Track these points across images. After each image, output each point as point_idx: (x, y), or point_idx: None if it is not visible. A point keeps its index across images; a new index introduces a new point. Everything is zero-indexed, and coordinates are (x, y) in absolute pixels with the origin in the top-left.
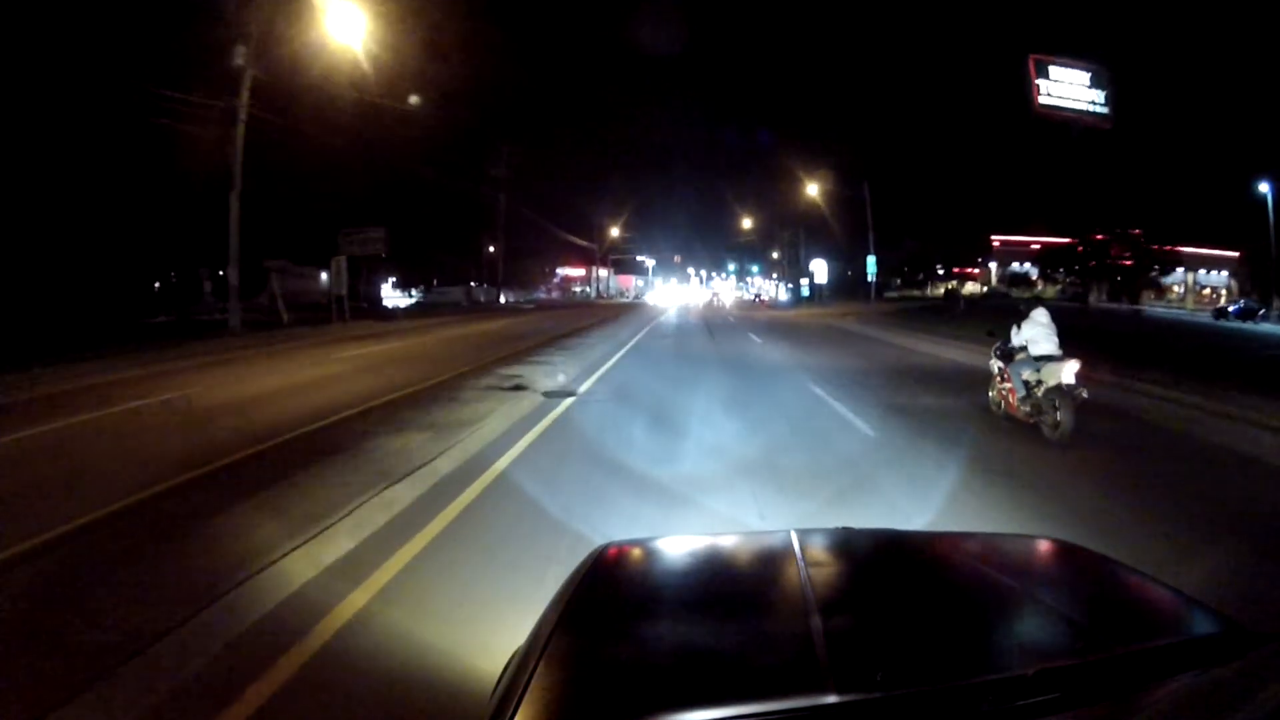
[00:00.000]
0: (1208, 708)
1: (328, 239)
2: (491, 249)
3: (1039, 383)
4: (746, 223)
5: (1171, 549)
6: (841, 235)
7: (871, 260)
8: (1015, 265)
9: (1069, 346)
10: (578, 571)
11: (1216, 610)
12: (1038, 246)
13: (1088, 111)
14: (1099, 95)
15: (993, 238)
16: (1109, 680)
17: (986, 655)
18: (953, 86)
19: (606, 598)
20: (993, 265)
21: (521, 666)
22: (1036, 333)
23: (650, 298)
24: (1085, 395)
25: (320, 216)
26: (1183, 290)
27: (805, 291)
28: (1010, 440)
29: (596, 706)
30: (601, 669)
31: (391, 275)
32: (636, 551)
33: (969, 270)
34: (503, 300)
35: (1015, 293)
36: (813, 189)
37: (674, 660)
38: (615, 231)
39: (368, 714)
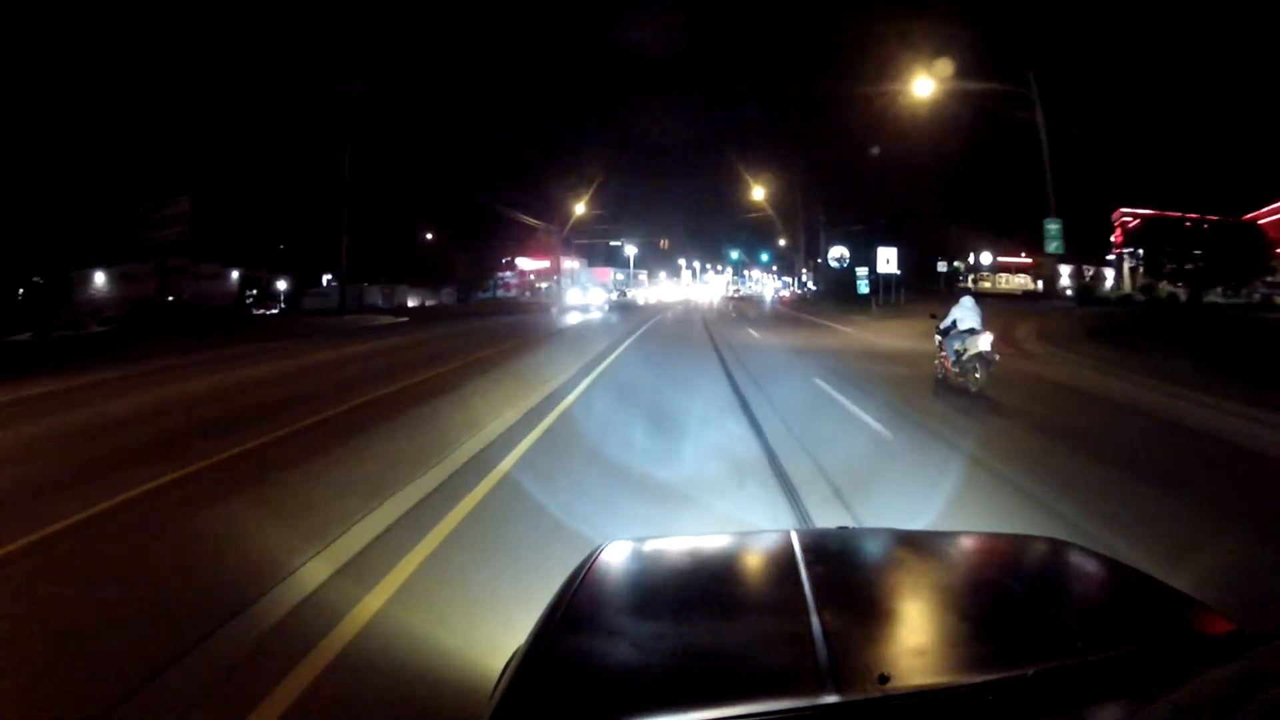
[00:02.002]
0: (1208, 708)
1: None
2: (430, 236)
3: (965, 350)
4: (758, 193)
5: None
6: (918, 209)
7: (1053, 227)
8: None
9: None
10: (578, 570)
11: (1217, 610)
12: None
13: None
14: None
15: (1123, 212)
16: (1109, 680)
17: (986, 655)
18: None
19: (606, 596)
20: (1130, 250)
21: (522, 665)
22: (964, 314)
23: (573, 298)
24: (998, 358)
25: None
26: None
27: (863, 287)
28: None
29: (597, 705)
30: (602, 668)
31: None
32: (636, 550)
33: (1021, 259)
34: (413, 302)
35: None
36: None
37: (674, 659)
38: (581, 208)
39: None
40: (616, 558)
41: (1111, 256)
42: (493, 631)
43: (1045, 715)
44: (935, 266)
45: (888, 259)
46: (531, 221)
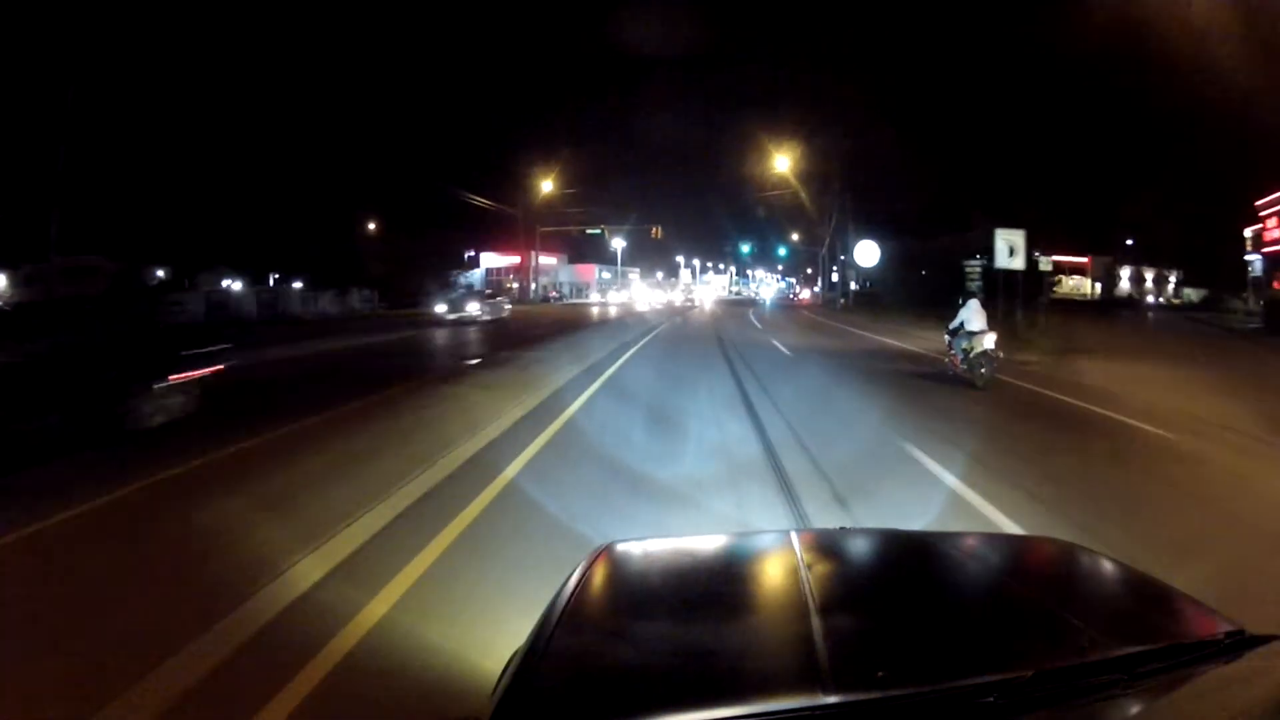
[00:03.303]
0: (1207, 708)
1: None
2: (372, 225)
3: (971, 349)
4: (782, 162)
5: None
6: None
7: None
8: None
9: None
10: (578, 571)
11: (1216, 611)
12: None
13: None
14: None
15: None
16: (1109, 680)
17: (986, 655)
18: None
19: (607, 597)
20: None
21: (522, 666)
22: (970, 315)
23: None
24: (1001, 355)
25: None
26: None
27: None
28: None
29: (597, 706)
30: (602, 668)
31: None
32: (636, 551)
33: (1076, 262)
34: (337, 310)
35: None
36: None
37: (674, 660)
38: (548, 185)
39: None
40: (616, 558)
41: (1254, 257)
42: None
43: (1045, 715)
44: (1036, 264)
45: (1011, 246)
46: (484, 203)
